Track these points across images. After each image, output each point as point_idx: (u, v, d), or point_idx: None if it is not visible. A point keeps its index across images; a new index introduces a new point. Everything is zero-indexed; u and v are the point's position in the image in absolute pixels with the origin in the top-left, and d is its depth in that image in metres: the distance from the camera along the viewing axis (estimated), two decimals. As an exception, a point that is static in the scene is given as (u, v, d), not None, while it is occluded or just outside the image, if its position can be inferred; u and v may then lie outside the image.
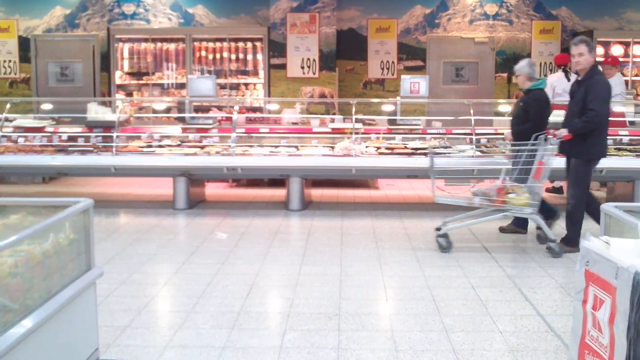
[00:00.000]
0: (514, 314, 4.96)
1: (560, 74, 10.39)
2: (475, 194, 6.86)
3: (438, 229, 6.98)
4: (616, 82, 10.53)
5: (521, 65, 7.29)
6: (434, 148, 7.15)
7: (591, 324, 3.04)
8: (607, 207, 3.48)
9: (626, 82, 12.49)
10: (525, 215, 6.85)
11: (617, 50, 12.64)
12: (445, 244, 6.78)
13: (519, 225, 7.45)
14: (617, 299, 2.78)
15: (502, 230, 7.54)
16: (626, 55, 12.64)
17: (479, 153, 8.58)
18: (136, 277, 5.87)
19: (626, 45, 12.68)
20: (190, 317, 4.84)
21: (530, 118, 7.12)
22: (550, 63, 13.00)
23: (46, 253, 3.26)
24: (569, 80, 10.18)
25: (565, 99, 10.10)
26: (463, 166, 7.73)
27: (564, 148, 6.81)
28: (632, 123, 9.55)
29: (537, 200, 6.71)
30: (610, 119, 6.89)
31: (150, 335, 4.52)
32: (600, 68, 6.84)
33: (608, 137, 7.10)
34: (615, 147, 8.88)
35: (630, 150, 8.73)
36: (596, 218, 6.72)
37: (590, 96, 6.52)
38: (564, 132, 6.67)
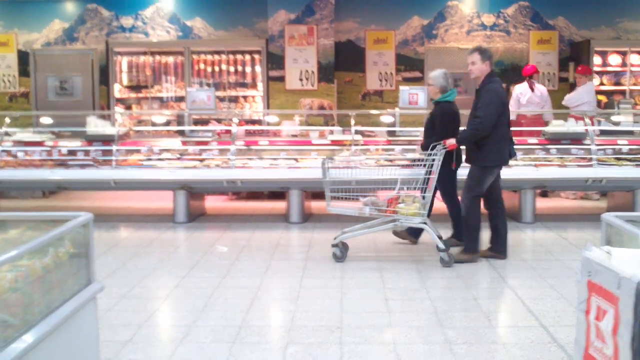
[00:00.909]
0: (516, 325, 4.95)
1: (525, 84, 10.72)
2: (365, 204, 6.88)
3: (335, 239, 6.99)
4: (584, 91, 10.77)
5: (436, 76, 7.33)
6: (329, 159, 7.21)
7: (595, 334, 3.03)
8: (607, 217, 3.47)
9: (623, 91, 12.55)
10: (414, 225, 6.91)
11: (614, 59, 12.66)
12: (339, 254, 6.82)
13: (412, 233, 7.41)
14: (620, 309, 2.77)
15: (395, 234, 7.60)
16: (624, 64, 12.66)
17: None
18: (137, 291, 5.86)
19: (623, 54, 12.70)
20: (192, 332, 4.82)
21: (435, 130, 7.16)
22: (548, 73, 13.03)
23: (46, 268, 3.25)
24: (532, 90, 10.53)
25: (530, 109, 10.31)
26: (357, 177, 7.81)
27: (467, 155, 6.92)
28: (631, 132, 9.55)
29: (427, 211, 6.80)
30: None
31: (152, 349, 4.50)
32: (497, 77, 6.91)
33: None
34: (615, 156, 8.88)
35: (630, 160, 8.72)
36: (497, 233, 6.90)
37: (479, 104, 6.64)
38: (451, 142, 6.80)
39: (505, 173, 8.39)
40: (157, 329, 4.98)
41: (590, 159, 8.59)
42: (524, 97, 10.70)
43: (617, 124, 9.69)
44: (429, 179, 6.83)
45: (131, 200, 10.45)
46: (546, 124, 10.17)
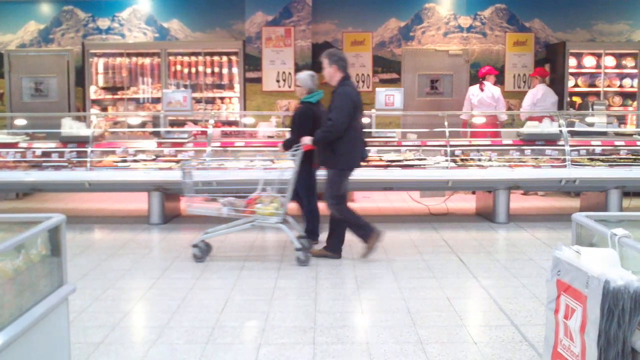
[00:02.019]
0: (488, 324, 4.98)
1: (477, 86, 11.14)
2: (224, 204, 6.96)
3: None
4: (534, 92, 11.07)
5: (304, 78, 7.46)
6: (188, 161, 7.36)
7: (563, 332, 3.06)
8: (578, 217, 3.51)
9: (598, 92, 12.67)
10: (270, 225, 6.99)
11: (589, 61, 12.78)
12: (199, 254, 6.88)
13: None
14: (588, 307, 2.81)
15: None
16: (598, 66, 12.79)
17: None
18: (110, 292, 5.83)
19: (598, 56, 12.82)
20: (165, 333, 4.81)
21: (294, 130, 7.29)
22: (524, 75, 13.14)
23: (17, 269, 3.22)
24: (482, 91, 11.03)
25: (482, 110, 10.60)
26: (219, 179, 7.91)
27: (319, 159, 7.04)
28: (604, 133, 9.65)
29: (285, 210, 6.89)
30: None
31: (124, 351, 4.48)
32: (351, 80, 7.09)
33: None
34: (588, 157, 8.97)
35: (603, 161, 8.82)
36: (335, 232, 7.03)
37: (331, 107, 6.77)
38: (306, 141, 6.93)
39: (480, 174, 8.49)
40: (130, 330, 4.96)
41: (564, 160, 8.67)
42: (475, 98, 11.02)
43: (591, 125, 9.79)
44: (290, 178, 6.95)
45: (106, 202, 10.39)
46: (499, 125, 10.35)
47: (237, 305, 5.48)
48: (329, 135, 6.73)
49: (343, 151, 6.77)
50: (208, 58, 12.47)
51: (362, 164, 7.21)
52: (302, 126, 7.18)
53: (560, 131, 8.94)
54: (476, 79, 11.99)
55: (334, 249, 7.03)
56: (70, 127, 9.16)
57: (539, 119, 9.55)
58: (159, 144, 9.28)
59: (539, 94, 11.30)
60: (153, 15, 13.13)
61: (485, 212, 9.10)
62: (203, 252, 6.89)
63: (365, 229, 6.88)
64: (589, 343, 2.80)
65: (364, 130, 7.13)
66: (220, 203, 6.97)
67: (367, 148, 7.23)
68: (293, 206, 7.52)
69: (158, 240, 8.00)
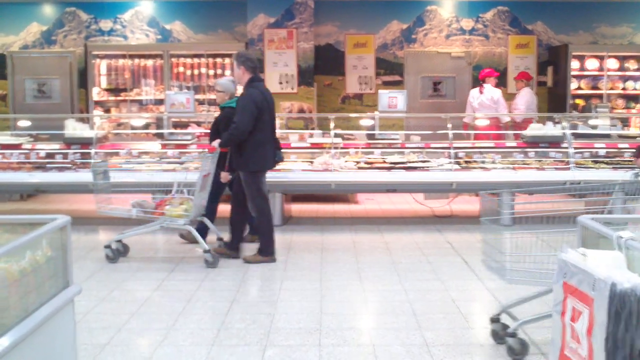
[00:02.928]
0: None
1: (477, 88, 11.19)
2: (133, 206, 7.02)
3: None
4: (519, 96, 11.14)
5: (225, 83, 7.54)
6: (100, 163, 7.50)
7: (570, 335, 3.06)
8: (583, 220, 3.51)
9: (600, 95, 12.66)
10: (178, 227, 7.05)
11: (591, 64, 12.77)
12: (111, 255, 6.96)
13: (200, 231, 7.26)
14: (595, 310, 2.80)
15: (181, 236, 7.84)
16: (601, 69, 12.78)
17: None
18: (116, 294, 5.83)
19: (600, 59, 12.82)
20: (170, 334, 4.81)
21: (220, 135, 7.27)
22: (527, 77, 13.14)
23: (23, 271, 3.22)
24: (481, 93, 11.01)
25: (484, 112, 10.61)
26: (134, 180, 8.00)
27: (233, 162, 7.08)
28: (608, 136, 9.65)
29: (196, 212, 6.94)
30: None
31: (130, 353, 4.49)
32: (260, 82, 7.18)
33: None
34: (592, 159, 8.96)
35: (606, 163, 8.82)
36: (235, 232, 7.17)
37: (236, 110, 6.86)
38: (215, 144, 7.01)
39: (484, 176, 8.49)
40: (136, 332, 4.96)
41: (568, 162, 8.67)
42: (475, 101, 11.04)
43: (594, 127, 9.78)
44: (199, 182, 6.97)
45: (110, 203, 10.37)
46: (503, 127, 10.35)
47: (243, 307, 5.48)
48: (233, 138, 6.81)
49: (251, 153, 6.84)
50: (210, 60, 12.47)
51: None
52: (226, 131, 7.14)
53: (564, 133, 8.94)
54: (478, 81, 12.03)
55: (232, 247, 7.12)
56: (73, 128, 9.17)
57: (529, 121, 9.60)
58: (163, 146, 9.29)
59: (527, 97, 11.40)
60: (155, 17, 13.14)
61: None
62: (115, 253, 6.98)
63: (269, 245, 6.97)
64: (596, 346, 2.79)
65: (275, 131, 7.29)
66: (131, 204, 7.04)
67: (278, 152, 7.28)
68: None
69: (163, 242, 8.00)
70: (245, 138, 6.77)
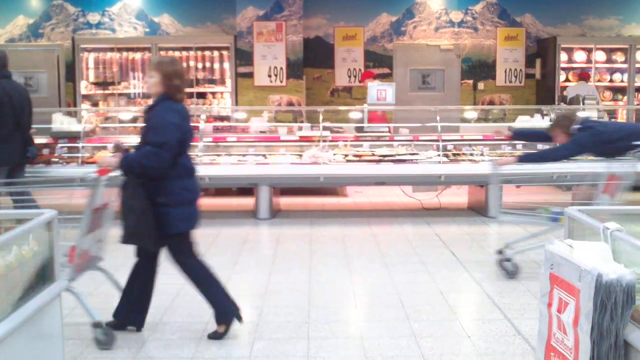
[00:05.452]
0: (482, 318, 5.00)
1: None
2: None
3: None
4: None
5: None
6: None
7: (556, 326, 3.07)
8: (570, 211, 3.52)
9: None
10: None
11: (579, 56, 12.83)
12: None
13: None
14: (581, 301, 2.82)
15: None
16: (589, 61, 12.83)
17: None
18: (103, 289, 5.81)
19: (588, 51, 12.86)
20: (158, 329, 4.80)
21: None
22: (515, 69, 13.17)
23: (9, 266, 3.21)
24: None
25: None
26: None
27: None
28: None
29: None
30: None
31: (118, 347, 4.48)
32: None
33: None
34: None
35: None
36: None
37: None
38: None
39: (472, 168, 8.50)
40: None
41: (556, 154, 8.67)
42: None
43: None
44: None
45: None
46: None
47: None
48: None
49: None
50: (199, 53, 12.43)
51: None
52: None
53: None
54: (468, 73, 12.08)
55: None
56: (61, 122, 9.13)
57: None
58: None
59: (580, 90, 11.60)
60: (143, 10, 13.09)
61: (478, 206, 9.13)
62: None
63: None
64: (582, 336, 2.81)
65: (28, 127, 7.39)
66: None
67: (30, 148, 7.36)
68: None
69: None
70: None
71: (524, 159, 6.44)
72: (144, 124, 4.65)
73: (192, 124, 4.75)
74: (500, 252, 6.25)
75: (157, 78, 4.53)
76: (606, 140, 6.17)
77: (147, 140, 4.45)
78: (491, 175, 6.61)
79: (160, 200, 4.42)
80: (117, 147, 4.63)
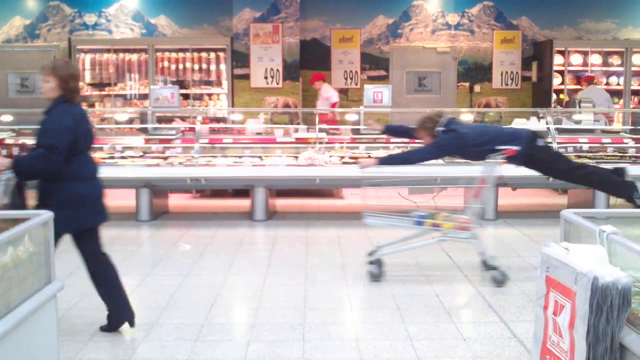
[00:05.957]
0: (477, 321, 5.00)
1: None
2: None
3: None
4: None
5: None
6: None
7: (552, 329, 3.08)
8: (566, 214, 3.52)
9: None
10: None
11: (575, 59, 12.86)
12: None
13: None
14: (577, 303, 2.82)
15: None
16: (585, 64, 12.86)
17: None
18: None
19: (584, 54, 12.90)
20: (154, 330, 4.80)
21: None
22: (512, 72, 13.20)
23: (5, 267, 3.21)
24: None
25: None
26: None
27: None
28: (591, 131, 9.72)
29: None
30: None
31: (113, 348, 4.47)
32: None
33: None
34: (576, 154, 9.00)
35: (590, 158, 8.86)
36: None
37: None
38: None
39: (468, 170, 8.48)
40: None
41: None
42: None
43: (578, 122, 9.83)
44: None
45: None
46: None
47: (227, 301, 5.47)
48: None
49: None
50: (196, 54, 12.43)
51: None
52: None
53: (548, 128, 8.97)
54: (464, 76, 12.09)
55: None
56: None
57: None
58: (147, 141, 9.24)
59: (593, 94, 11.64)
60: (140, 11, 13.09)
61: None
62: None
63: None
64: (578, 339, 2.81)
65: None
66: None
67: None
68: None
69: (146, 237, 7.97)
70: None
71: (386, 161, 6.40)
72: (39, 127, 4.75)
73: (90, 126, 4.86)
74: (371, 254, 6.23)
75: (54, 82, 4.69)
76: (468, 144, 6.08)
77: (39, 143, 4.59)
78: (362, 178, 6.62)
79: (47, 201, 4.59)
80: (22, 148, 4.82)
